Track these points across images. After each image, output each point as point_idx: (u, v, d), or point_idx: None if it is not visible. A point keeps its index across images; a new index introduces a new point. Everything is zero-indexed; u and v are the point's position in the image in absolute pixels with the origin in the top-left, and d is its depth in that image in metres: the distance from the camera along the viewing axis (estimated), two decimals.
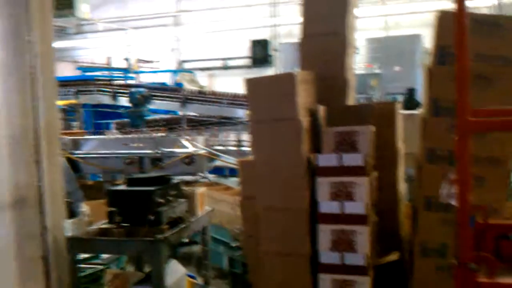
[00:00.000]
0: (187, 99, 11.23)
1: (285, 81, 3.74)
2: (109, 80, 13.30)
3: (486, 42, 3.58)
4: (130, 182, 4.87)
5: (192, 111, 11.17)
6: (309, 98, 4.01)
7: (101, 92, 11.82)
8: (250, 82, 3.92)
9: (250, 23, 18.68)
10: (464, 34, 2.63)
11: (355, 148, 3.85)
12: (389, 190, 4.20)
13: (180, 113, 11.15)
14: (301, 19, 4.31)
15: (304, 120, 3.81)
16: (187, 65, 20.11)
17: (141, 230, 4.46)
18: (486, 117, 2.90)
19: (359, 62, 13.94)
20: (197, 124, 10.49)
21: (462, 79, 2.62)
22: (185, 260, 7.21)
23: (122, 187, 4.91)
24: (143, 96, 8.30)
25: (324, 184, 3.74)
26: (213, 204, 6.57)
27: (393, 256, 3.99)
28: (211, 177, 9.19)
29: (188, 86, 15.17)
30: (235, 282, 6.07)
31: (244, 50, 19.44)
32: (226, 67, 19.72)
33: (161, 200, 4.55)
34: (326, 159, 3.77)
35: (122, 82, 13.04)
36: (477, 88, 3.59)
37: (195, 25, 19.89)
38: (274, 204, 3.83)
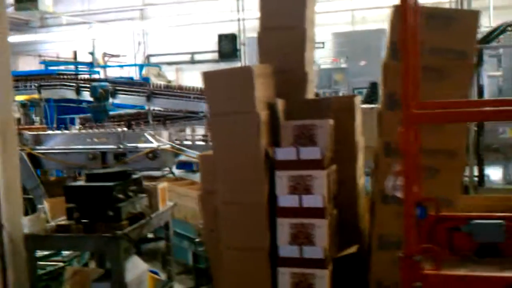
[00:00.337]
0: (152, 94, 11.10)
1: (242, 74, 3.72)
2: (74, 75, 13.09)
3: (439, 36, 3.62)
4: (89, 177, 4.80)
5: (158, 106, 11.07)
6: (267, 91, 4.00)
7: (64, 87, 11.62)
8: (208, 75, 3.89)
9: (218, 17, 18.59)
10: (410, 28, 2.65)
11: (313, 142, 3.85)
12: (349, 183, 4.22)
13: (147, 107, 11.04)
14: (260, 13, 4.29)
15: (262, 113, 3.80)
16: (154, 59, 19.93)
17: (100, 226, 4.40)
18: (435, 109, 2.93)
19: (325, 57, 14.02)
20: (163, 119, 10.41)
21: (407, 72, 2.64)
22: (151, 256, 7.17)
23: (80, 183, 4.84)
24: (105, 91, 8.18)
25: (282, 178, 3.74)
26: (178, 199, 6.52)
27: (353, 249, 4.02)
28: (179, 172, 9.13)
29: (155, 80, 15.03)
30: (200, 277, 6.05)
31: (211, 44, 19.34)
32: (193, 61, 19.60)
33: (120, 196, 4.50)
34: (284, 153, 3.77)
35: (86, 76, 12.83)
36: (431, 81, 3.64)
37: (162, 19, 19.70)
38: (233, 198, 3.81)
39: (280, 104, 4.06)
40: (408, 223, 2.48)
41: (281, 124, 3.98)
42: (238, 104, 3.74)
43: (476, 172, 6.72)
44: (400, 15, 2.63)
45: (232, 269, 3.84)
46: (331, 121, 3.96)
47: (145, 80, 14.38)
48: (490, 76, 8.27)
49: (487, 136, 6.52)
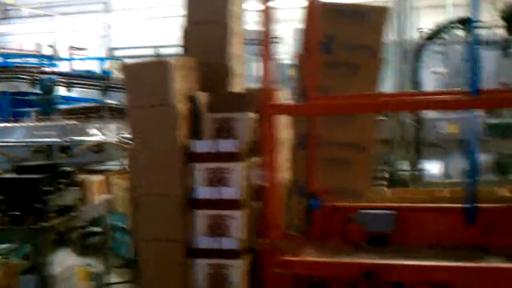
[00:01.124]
0: (109, 87, 11.06)
1: (159, 67, 3.76)
2: (32, 68, 12.95)
3: (350, 32, 3.71)
4: (18, 169, 4.79)
5: (114, 99, 11.02)
6: (189, 84, 4.05)
7: (20, 80, 11.50)
8: (128, 67, 3.92)
9: (183, 10, 18.48)
10: (268, 28, 2.75)
11: (233, 135, 3.92)
12: None
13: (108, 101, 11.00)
14: (185, 7, 4.35)
15: (182, 106, 3.84)
16: (118, 53, 19.76)
17: (27, 218, 4.40)
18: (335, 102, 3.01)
19: (285, 52, 14.07)
20: (116, 113, 10.38)
21: (266, 63, 2.72)
22: (95, 249, 7.15)
23: (8, 175, 4.83)
24: (53, 83, 8.13)
25: (200, 170, 3.79)
26: (120, 192, 6.54)
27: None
28: None
29: (117, 74, 14.92)
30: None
31: (176, 38, 19.23)
32: (157, 55, 19.47)
33: (49, 188, 4.49)
34: (202, 145, 3.82)
35: (43, 69, 12.69)
36: (344, 76, 3.74)
37: (126, 12, 19.56)
38: (151, 190, 3.85)
39: (202, 97, 4.10)
40: (270, 211, 2.56)
41: (202, 117, 4.02)
42: (155, 96, 3.77)
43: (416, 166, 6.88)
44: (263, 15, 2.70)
45: (149, 261, 3.88)
46: (251, 114, 4.02)
47: (106, 74, 14.28)
48: (435, 73, 8.43)
49: (426, 131, 6.68)
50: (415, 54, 6.52)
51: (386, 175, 6.49)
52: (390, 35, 8.88)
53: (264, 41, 2.73)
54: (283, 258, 2.49)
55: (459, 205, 3.07)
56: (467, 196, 3.06)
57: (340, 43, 3.65)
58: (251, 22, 5.06)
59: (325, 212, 2.95)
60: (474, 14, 3.03)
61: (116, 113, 10.39)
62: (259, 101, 4.24)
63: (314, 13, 3.31)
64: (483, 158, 7.21)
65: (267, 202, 2.56)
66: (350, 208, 3.05)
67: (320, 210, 2.87)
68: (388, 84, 7.93)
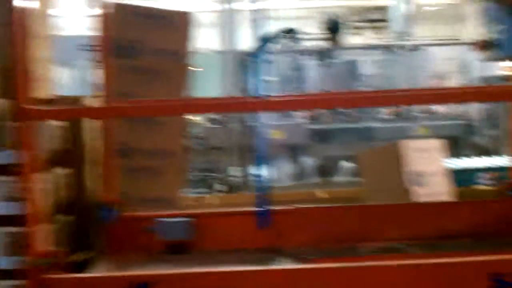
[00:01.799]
0: None
1: None
2: None
3: (155, 37, 3.61)
4: None
5: None
6: None
7: None
8: None
9: None
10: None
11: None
12: (82, 188, 4.04)
13: None
14: None
15: None
16: None
17: None
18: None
19: None
20: None
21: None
22: None
23: None
24: None
25: None
26: None
27: (81, 256, 3.84)
28: None
29: None
30: None
31: None
32: None
33: None
34: None
35: None
36: (151, 81, 3.64)
37: None
38: None
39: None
40: (29, 226, 2.39)
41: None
42: None
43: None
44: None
45: None
46: (54, 123, 3.75)
47: None
48: (264, 81, 8.64)
49: (252, 137, 6.78)
50: (244, 62, 6.62)
51: (216, 182, 6.51)
52: (220, 44, 9.03)
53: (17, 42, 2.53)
54: (46, 277, 2.31)
55: (258, 208, 3.10)
56: (262, 200, 3.10)
57: (144, 47, 3.53)
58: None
59: (123, 223, 2.81)
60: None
61: None
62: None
63: (110, 16, 3.15)
64: (308, 162, 7.60)
65: (26, 219, 2.37)
66: (148, 218, 2.94)
67: (117, 222, 2.72)
68: (218, 92, 8.03)
